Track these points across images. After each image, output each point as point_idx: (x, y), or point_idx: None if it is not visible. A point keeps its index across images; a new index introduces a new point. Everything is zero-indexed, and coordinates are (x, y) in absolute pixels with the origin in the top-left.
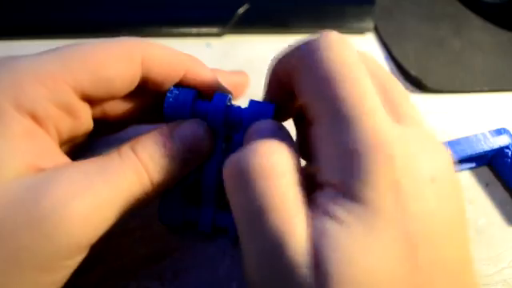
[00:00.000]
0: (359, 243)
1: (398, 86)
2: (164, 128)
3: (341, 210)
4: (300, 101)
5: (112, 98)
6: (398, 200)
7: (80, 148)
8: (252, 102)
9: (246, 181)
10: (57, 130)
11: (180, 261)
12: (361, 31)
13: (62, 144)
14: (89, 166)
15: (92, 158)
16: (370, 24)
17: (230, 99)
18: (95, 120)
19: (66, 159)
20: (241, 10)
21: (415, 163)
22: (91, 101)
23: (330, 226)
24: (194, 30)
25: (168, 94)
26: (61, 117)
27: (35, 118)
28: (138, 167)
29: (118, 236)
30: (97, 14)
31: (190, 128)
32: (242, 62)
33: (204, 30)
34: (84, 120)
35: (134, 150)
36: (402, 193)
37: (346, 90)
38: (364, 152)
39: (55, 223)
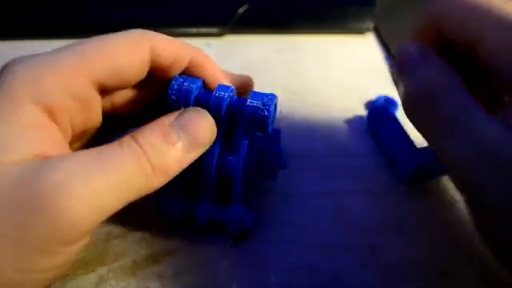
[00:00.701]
0: None
1: None
2: (165, 117)
3: None
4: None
5: (124, 86)
6: None
7: (87, 146)
8: (253, 94)
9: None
10: (71, 122)
11: (180, 261)
12: (361, 31)
13: (73, 138)
14: (90, 154)
15: (93, 148)
16: (370, 24)
17: (232, 91)
18: (103, 115)
19: (70, 151)
20: (241, 10)
21: None
22: (104, 91)
23: None
24: (194, 30)
25: (173, 81)
26: (76, 109)
27: (52, 112)
28: (138, 155)
29: (118, 236)
30: (96, 14)
31: (193, 116)
32: (242, 61)
33: (204, 30)
34: (95, 112)
35: (134, 139)
36: None
37: None
38: None
39: (53, 204)
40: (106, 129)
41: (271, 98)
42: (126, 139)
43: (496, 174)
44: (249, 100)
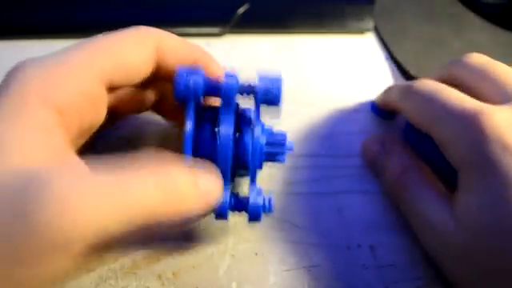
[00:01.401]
0: None
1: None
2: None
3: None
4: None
5: (131, 83)
6: None
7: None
8: (261, 77)
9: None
10: (80, 120)
11: (180, 261)
12: (361, 31)
13: (79, 135)
14: (105, 177)
15: (104, 166)
16: (370, 24)
17: (237, 77)
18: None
19: (74, 158)
20: (241, 10)
21: None
22: (111, 89)
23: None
24: (194, 30)
25: (178, 72)
26: (86, 108)
27: (62, 112)
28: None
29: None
30: (96, 14)
31: (203, 172)
32: (241, 61)
33: (204, 30)
34: (102, 110)
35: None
36: None
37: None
38: None
39: (58, 212)
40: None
41: (278, 77)
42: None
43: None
44: (258, 81)
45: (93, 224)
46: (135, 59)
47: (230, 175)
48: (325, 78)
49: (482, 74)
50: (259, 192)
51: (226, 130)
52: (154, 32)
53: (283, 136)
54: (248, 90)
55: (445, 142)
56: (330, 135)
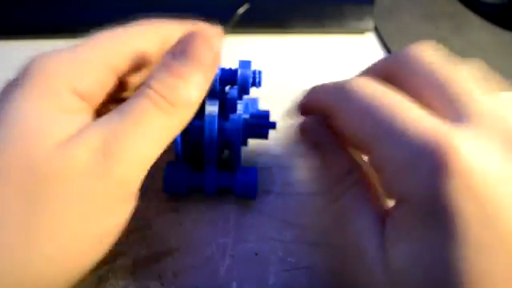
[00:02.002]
0: None
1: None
2: (167, 52)
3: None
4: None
5: (140, 71)
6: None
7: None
8: (241, 62)
9: None
10: (94, 105)
11: (180, 261)
12: (361, 31)
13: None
14: (112, 117)
15: (113, 111)
16: (370, 24)
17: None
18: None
19: None
20: (241, 10)
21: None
22: (122, 75)
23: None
24: None
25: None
26: (100, 95)
27: (83, 97)
28: (151, 96)
29: (118, 236)
30: (96, 14)
31: (190, 40)
32: None
33: None
34: (110, 92)
35: (147, 85)
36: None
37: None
38: None
39: (116, 175)
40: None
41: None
42: (141, 88)
43: None
44: (239, 69)
45: (138, 166)
46: (145, 49)
47: (216, 155)
48: (325, 77)
49: (427, 78)
50: (245, 169)
51: (210, 109)
52: (158, 23)
53: (266, 112)
54: (229, 78)
55: (387, 166)
56: None
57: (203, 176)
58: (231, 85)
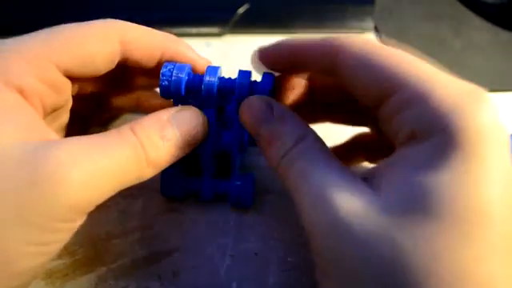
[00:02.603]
0: None
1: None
2: (164, 112)
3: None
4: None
5: (93, 75)
6: None
7: (65, 125)
8: (241, 72)
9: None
10: (42, 103)
11: (180, 261)
12: (361, 31)
13: (44, 116)
14: (88, 139)
15: (91, 135)
16: (370, 24)
17: (220, 71)
18: (79, 97)
19: (52, 133)
20: (241, 10)
21: None
22: (74, 77)
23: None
24: (194, 30)
25: (163, 69)
26: (45, 91)
27: (22, 92)
28: (135, 145)
29: (118, 236)
30: (96, 14)
31: (188, 115)
32: (242, 61)
33: (204, 30)
34: (65, 95)
35: (133, 130)
36: None
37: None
38: None
39: (56, 185)
40: (82, 110)
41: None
42: (125, 129)
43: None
44: (238, 78)
45: (91, 190)
46: (95, 51)
47: (213, 162)
48: None
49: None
50: (240, 176)
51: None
52: (119, 25)
53: None
54: (227, 89)
55: (420, 102)
56: (330, 135)
57: (199, 181)
58: (230, 94)
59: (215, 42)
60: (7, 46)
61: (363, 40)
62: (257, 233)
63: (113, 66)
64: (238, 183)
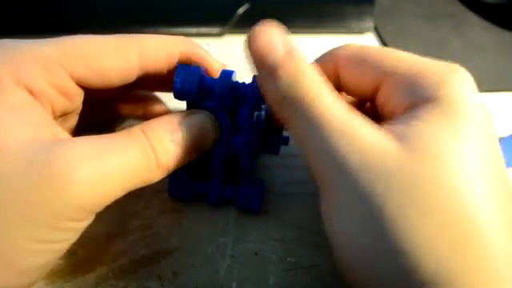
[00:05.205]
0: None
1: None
2: (174, 116)
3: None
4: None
5: (107, 87)
6: None
7: (73, 127)
8: (256, 78)
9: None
10: (51, 107)
11: (180, 261)
12: (361, 31)
13: (54, 118)
14: (99, 140)
15: (101, 135)
16: (370, 24)
17: (235, 75)
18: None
19: (62, 132)
20: (241, 10)
21: None
22: (87, 87)
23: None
24: (194, 30)
25: (177, 71)
26: (56, 97)
27: (32, 93)
28: (146, 147)
29: (118, 236)
30: (96, 14)
31: (199, 119)
32: (242, 61)
33: (204, 30)
34: (74, 101)
35: (143, 132)
36: None
37: None
38: None
39: (65, 184)
40: (91, 113)
41: None
42: (136, 131)
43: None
44: (253, 83)
45: (100, 191)
46: (111, 66)
47: (222, 166)
48: None
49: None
50: (250, 183)
51: (220, 119)
52: (138, 39)
53: (279, 128)
54: (240, 92)
55: (425, 71)
56: None
57: (207, 185)
58: (243, 98)
59: (215, 42)
60: (23, 47)
61: (354, 43)
62: (257, 233)
63: (131, 80)
64: (247, 189)
